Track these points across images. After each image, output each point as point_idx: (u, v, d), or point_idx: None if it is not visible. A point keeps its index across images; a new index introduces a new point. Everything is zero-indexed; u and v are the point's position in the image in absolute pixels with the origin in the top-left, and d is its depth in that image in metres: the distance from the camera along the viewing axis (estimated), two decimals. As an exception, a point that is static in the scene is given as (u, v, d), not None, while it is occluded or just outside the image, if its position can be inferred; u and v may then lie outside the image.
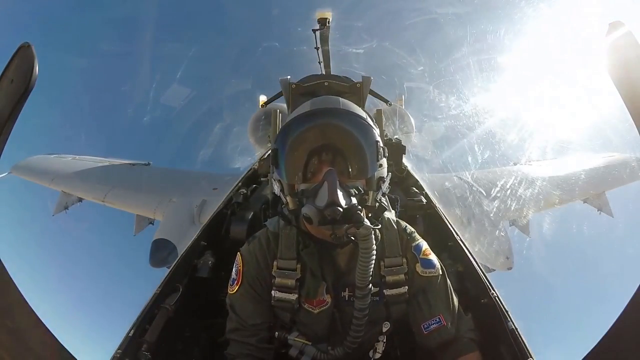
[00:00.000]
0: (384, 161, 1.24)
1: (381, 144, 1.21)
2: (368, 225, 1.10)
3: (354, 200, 1.10)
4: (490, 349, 1.37)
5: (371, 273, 1.18)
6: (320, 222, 1.08)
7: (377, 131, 1.23)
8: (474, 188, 5.32)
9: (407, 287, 1.32)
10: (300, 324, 1.34)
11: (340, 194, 1.06)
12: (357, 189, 1.15)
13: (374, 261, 1.17)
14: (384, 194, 1.26)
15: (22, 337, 0.77)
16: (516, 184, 5.69)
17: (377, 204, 1.24)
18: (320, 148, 1.16)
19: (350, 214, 1.07)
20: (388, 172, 1.28)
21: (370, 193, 1.19)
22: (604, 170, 6.32)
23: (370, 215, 1.22)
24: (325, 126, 1.18)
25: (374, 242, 1.14)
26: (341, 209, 1.05)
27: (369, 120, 1.24)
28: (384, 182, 1.24)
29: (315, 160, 1.17)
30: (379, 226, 1.22)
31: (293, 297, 1.28)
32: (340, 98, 1.28)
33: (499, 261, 4.39)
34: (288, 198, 1.21)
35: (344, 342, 1.29)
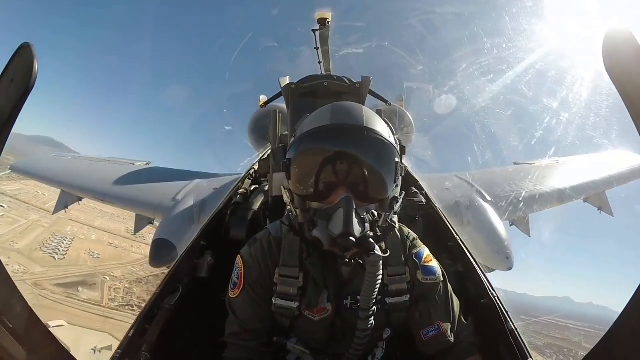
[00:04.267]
0: (400, 180, 1.20)
1: (400, 163, 1.17)
2: (378, 254, 1.09)
3: (367, 228, 1.07)
4: (490, 349, 1.37)
5: (376, 295, 1.17)
6: (331, 246, 1.06)
7: (398, 149, 1.18)
8: (474, 188, 5.31)
9: (408, 295, 1.32)
10: (299, 329, 1.33)
11: (355, 222, 1.04)
12: (372, 213, 1.11)
13: (379, 285, 1.15)
14: (395, 213, 1.21)
15: (22, 337, 0.77)
16: (516, 184, 5.69)
17: (388, 223, 1.19)
18: (339, 158, 1.11)
19: (362, 242, 1.05)
20: (401, 191, 1.24)
21: (383, 214, 1.14)
22: (604, 169, 6.32)
23: (379, 234, 1.17)
24: (347, 146, 1.11)
25: (381, 268, 1.13)
26: (354, 240, 1.02)
27: (391, 138, 1.18)
28: (397, 202, 1.19)
29: (332, 171, 1.10)
30: (388, 253, 1.19)
31: (294, 305, 1.27)
32: (364, 109, 1.20)
33: (499, 261, 4.37)
34: (298, 211, 1.17)
35: (342, 357, 1.29)
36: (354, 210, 1.05)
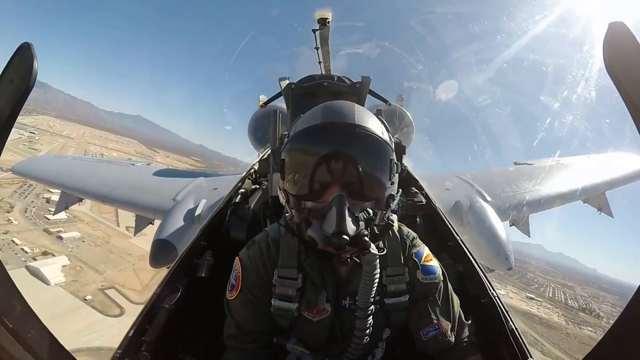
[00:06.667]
0: (395, 178, 1.18)
1: (395, 161, 1.16)
2: (374, 253, 1.08)
3: (362, 226, 1.06)
4: (490, 349, 1.37)
5: (373, 294, 1.17)
6: (325, 245, 1.05)
7: (392, 146, 1.18)
8: (474, 188, 5.31)
9: (407, 295, 1.32)
10: (298, 330, 1.33)
11: (348, 220, 1.02)
12: (367, 211, 1.10)
13: (377, 284, 1.15)
14: (392, 211, 1.20)
15: (22, 337, 0.77)
16: (517, 184, 5.70)
17: (385, 221, 1.18)
18: (331, 156, 1.09)
19: (356, 241, 1.03)
20: (398, 189, 1.22)
21: (379, 213, 1.13)
22: (604, 170, 6.32)
23: (377, 232, 1.16)
24: (339, 144, 1.09)
25: (378, 266, 1.12)
26: (348, 238, 1.01)
27: (385, 135, 1.17)
28: (393, 200, 1.18)
29: (324, 169, 1.09)
30: (384, 252, 1.18)
31: (293, 306, 1.27)
32: (356, 107, 1.18)
33: (499, 261, 4.37)
34: (294, 211, 1.16)
35: (341, 357, 1.29)
36: (347, 209, 1.04)
